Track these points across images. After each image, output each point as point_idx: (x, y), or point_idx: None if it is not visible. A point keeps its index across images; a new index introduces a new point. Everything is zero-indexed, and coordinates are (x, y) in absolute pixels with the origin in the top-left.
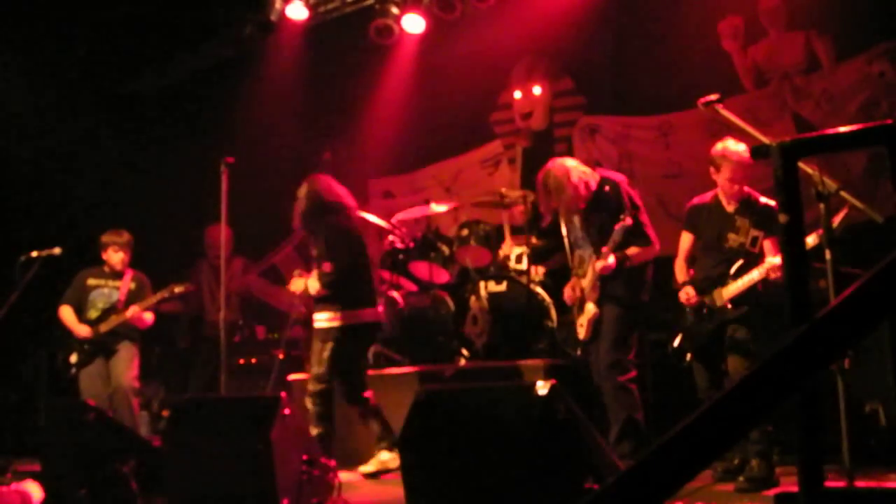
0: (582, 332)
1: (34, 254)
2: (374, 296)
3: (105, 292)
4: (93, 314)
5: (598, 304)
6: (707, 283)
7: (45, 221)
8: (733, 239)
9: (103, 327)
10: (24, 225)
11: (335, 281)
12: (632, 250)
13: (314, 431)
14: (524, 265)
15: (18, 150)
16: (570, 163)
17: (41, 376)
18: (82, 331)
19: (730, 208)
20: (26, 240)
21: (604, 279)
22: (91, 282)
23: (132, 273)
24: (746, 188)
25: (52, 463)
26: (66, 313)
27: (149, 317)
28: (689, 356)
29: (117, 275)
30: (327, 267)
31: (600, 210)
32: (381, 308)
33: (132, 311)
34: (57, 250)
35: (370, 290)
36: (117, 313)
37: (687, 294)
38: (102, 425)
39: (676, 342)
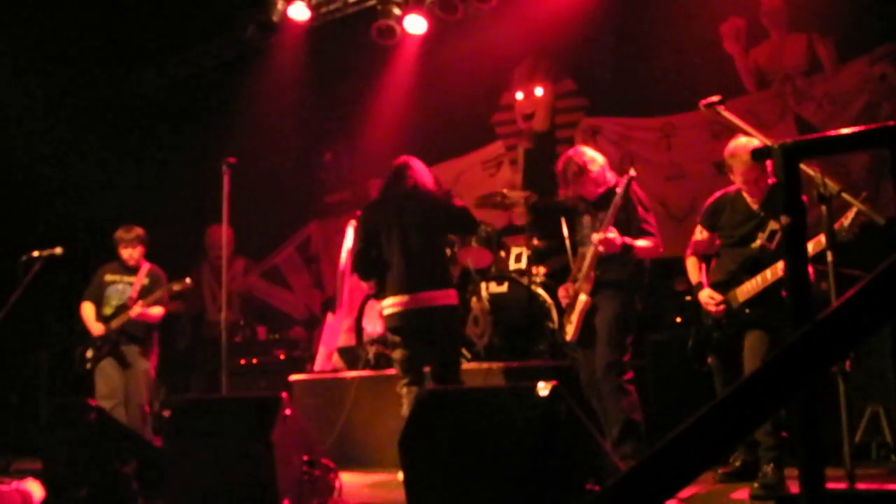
0: (570, 332)
1: (35, 253)
2: (425, 276)
3: (119, 288)
4: (107, 311)
5: (593, 296)
6: (725, 284)
7: (45, 221)
8: (760, 237)
9: (115, 324)
10: (25, 225)
11: (356, 269)
12: (638, 242)
13: None
14: (523, 264)
15: (19, 149)
16: (591, 151)
17: (42, 375)
18: (96, 329)
19: (755, 206)
20: (27, 239)
21: (599, 267)
22: (108, 277)
23: (147, 268)
24: (772, 179)
25: (53, 462)
26: (87, 310)
27: (157, 311)
28: (709, 359)
29: (132, 270)
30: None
31: (606, 208)
32: (399, 299)
33: (135, 310)
34: (58, 250)
35: (416, 272)
36: (127, 310)
37: (713, 300)
38: (103, 425)
39: (691, 342)
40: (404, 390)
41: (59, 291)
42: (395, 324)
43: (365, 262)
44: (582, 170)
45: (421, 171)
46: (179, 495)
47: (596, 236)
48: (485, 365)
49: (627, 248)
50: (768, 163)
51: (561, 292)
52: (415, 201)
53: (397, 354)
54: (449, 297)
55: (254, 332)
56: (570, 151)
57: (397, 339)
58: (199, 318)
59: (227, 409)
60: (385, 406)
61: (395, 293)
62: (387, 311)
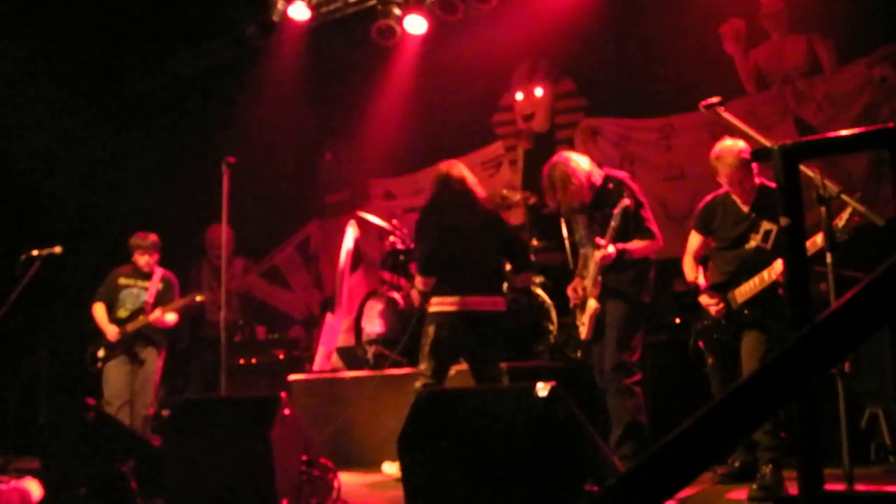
0: (583, 332)
1: (35, 252)
2: (477, 284)
3: (134, 292)
4: (122, 314)
5: (600, 300)
6: (723, 285)
7: (46, 220)
8: (753, 238)
9: (130, 327)
10: (25, 223)
11: (420, 268)
12: (633, 243)
13: None
14: None
15: (20, 149)
16: (576, 156)
17: (41, 375)
18: (111, 332)
19: (745, 207)
20: (27, 238)
21: (605, 273)
22: (122, 281)
23: (161, 274)
24: (759, 179)
25: (52, 461)
26: (99, 311)
27: (171, 318)
28: (710, 360)
29: (146, 275)
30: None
31: (604, 206)
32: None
33: (155, 315)
34: (58, 249)
35: (471, 278)
36: (144, 314)
37: (713, 302)
38: (102, 424)
39: (692, 342)
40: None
41: (60, 290)
42: (443, 321)
43: (437, 261)
44: (566, 181)
45: (475, 184)
46: (178, 495)
47: (598, 254)
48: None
49: (623, 253)
50: (753, 164)
51: (570, 292)
52: (482, 216)
53: (432, 351)
54: (498, 304)
55: (253, 331)
56: (555, 158)
57: (442, 336)
58: (198, 318)
59: (226, 409)
60: (385, 406)
61: (449, 293)
62: (437, 309)
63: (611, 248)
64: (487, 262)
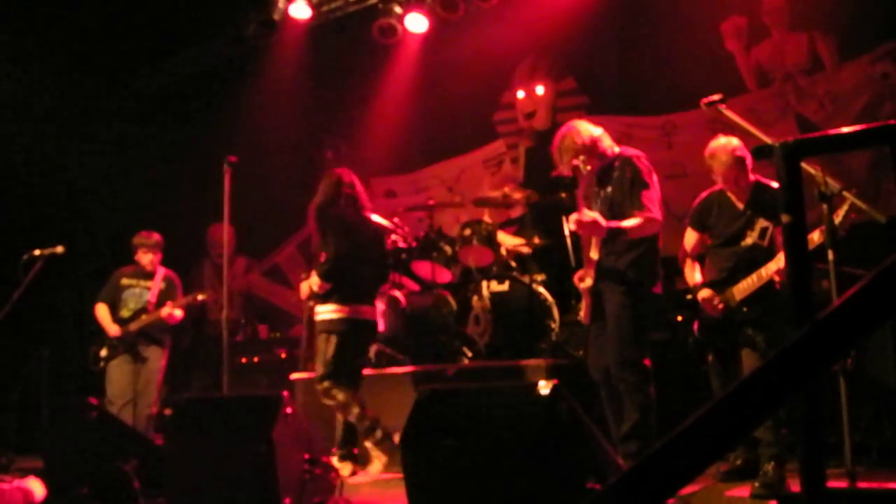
0: (583, 316)
1: (37, 252)
2: (371, 294)
3: (137, 292)
4: (125, 313)
5: (598, 283)
6: (721, 283)
7: (48, 219)
8: (749, 235)
9: (133, 326)
10: (27, 223)
11: (330, 270)
12: (626, 222)
13: (350, 418)
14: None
15: (21, 147)
16: (585, 123)
17: (43, 374)
18: (113, 330)
19: (740, 205)
20: (29, 238)
21: (603, 254)
22: (124, 281)
23: (163, 273)
24: (753, 177)
25: (55, 460)
26: (101, 311)
27: (179, 313)
28: (710, 357)
29: (149, 275)
30: (322, 257)
31: (606, 185)
32: (378, 308)
33: (165, 310)
34: (60, 249)
35: (368, 288)
36: (148, 313)
37: (713, 300)
38: (105, 423)
39: (692, 340)
40: (340, 394)
41: (62, 290)
42: (343, 328)
43: (338, 268)
44: (569, 145)
45: (364, 193)
46: (180, 494)
47: (572, 217)
48: (486, 363)
49: (617, 232)
50: (748, 161)
51: (576, 281)
52: (371, 226)
53: (337, 353)
54: (375, 313)
55: (255, 330)
56: (564, 128)
57: (345, 343)
58: (200, 317)
59: (229, 408)
60: (387, 405)
61: (344, 301)
62: (336, 316)
63: (589, 217)
64: (375, 271)
